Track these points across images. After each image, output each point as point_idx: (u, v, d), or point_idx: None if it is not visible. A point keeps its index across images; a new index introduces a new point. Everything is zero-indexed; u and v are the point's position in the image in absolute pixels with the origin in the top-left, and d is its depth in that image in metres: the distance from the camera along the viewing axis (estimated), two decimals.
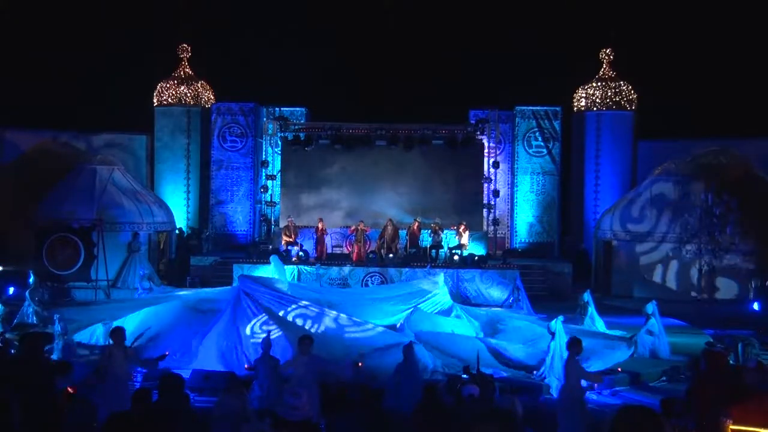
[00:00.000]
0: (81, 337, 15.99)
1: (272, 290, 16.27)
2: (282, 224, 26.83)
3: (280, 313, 15.48)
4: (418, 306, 17.31)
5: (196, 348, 14.94)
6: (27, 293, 19.44)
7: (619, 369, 15.14)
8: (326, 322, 15.51)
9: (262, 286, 16.35)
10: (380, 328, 15.74)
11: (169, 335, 15.62)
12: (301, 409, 5.44)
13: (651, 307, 17.16)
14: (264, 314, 15.34)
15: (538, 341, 16.01)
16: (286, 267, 23.20)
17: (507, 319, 18.75)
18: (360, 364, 12.67)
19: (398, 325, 16.69)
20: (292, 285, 18.68)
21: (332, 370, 12.34)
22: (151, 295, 21.66)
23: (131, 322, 16.13)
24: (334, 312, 15.81)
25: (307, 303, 15.94)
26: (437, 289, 18.23)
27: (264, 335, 13.74)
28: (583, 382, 11.30)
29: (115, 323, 16.17)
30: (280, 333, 14.74)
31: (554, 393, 13.80)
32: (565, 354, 14.00)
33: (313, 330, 15.13)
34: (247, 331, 15.09)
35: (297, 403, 5.62)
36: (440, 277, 19.19)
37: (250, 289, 15.89)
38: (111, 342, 11.55)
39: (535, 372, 14.64)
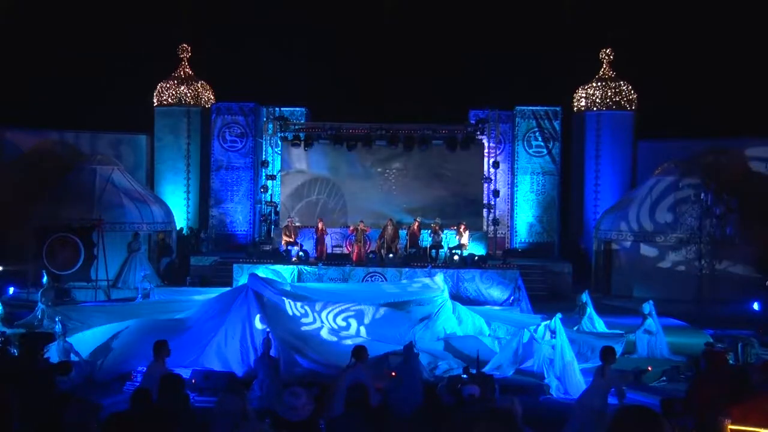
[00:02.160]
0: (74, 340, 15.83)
1: (284, 291, 16.26)
2: (282, 224, 26.84)
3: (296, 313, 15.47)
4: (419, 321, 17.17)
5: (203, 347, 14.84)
6: (39, 293, 19.40)
7: (650, 368, 15.16)
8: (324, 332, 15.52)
9: (271, 286, 16.28)
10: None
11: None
12: (300, 409, 5.43)
13: (648, 307, 17.18)
14: (273, 312, 15.24)
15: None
16: (285, 267, 23.22)
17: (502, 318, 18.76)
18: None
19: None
20: (293, 286, 18.65)
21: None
22: (151, 300, 21.46)
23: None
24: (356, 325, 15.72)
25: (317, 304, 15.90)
26: (438, 293, 18.17)
27: (265, 334, 13.74)
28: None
29: (100, 329, 16.10)
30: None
31: (554, 393, 13.79)
32: (569, 356, 14.06)
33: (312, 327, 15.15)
34: (257, 325, 14.98)
35: (296, 403, 5.61)
36: (439, 277, 19.14)
37: (259, 288, 15.76)
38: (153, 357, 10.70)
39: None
